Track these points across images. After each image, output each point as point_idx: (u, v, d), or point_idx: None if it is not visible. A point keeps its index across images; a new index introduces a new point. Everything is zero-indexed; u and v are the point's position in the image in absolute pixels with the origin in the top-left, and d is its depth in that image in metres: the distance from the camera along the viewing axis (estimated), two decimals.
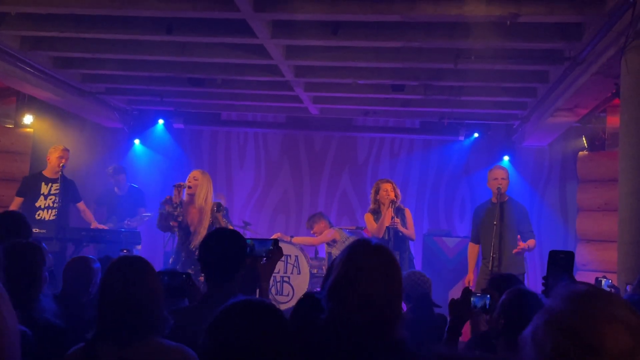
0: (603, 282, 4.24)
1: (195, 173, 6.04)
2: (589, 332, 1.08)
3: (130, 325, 2.28)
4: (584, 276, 8.33)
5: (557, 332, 1.11)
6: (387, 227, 6.39)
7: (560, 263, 2.40)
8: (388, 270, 1.93)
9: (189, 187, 5.90)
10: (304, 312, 2.65)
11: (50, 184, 7.14)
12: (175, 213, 5.85)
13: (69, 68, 7.79)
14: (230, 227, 5.92)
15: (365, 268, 1.90)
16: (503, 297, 2.92)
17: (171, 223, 5.87)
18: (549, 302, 1.17)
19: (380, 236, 6.33)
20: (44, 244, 3.26)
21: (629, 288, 3.93)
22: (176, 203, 5.85)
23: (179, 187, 5.89)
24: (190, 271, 5.76)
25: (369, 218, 6.65)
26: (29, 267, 2.93)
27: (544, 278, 2.68)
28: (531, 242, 6.41)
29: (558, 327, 1.11)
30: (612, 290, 4.07)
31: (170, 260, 6.05)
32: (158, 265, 6.32)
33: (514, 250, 6.22)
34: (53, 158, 7.17)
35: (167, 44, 6.71)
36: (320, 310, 1.96)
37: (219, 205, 6.03)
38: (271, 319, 1.68)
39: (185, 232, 5.92)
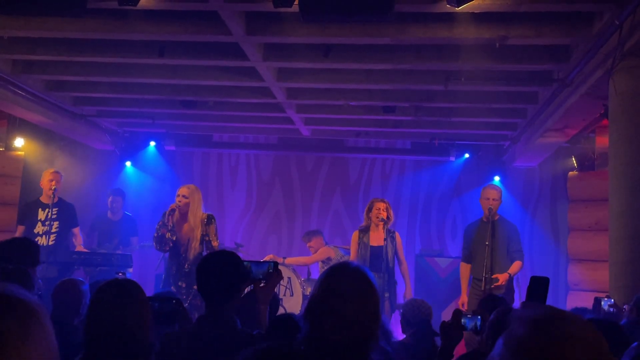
0: (603, 302, 4.21)
1: (183, 190, 6.11)
2: (548, 354, 1.10)
3: (118, 349, 2.26)
4: (575, 296, 8.35)
5: (518, 356, 1.12)
6: (381, 247, 6.40)
7: (538, 288, 2.50)
8: (362, 293, 1.94)
9: (178, 207, 5.98)
10: (279, 332, 2.65)
11: (47, 210, 7.12)
12: (168, 236, 5.96)
13: (61, 91, 7.80)
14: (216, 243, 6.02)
15: (339, 291, 1.92)
16: (491, 317, 2.94)
17: (166, 248, 6.01)
18: (510, 326, 1.19)
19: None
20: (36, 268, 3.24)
21: (626, 308, 3.94)
22: (170, 226, 5.93)
23: (172, 213, 5.96)
24: (181, 284, 5.82)
25: (354, 237, 6.65)
26: None
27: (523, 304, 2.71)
28: (515, 267, 6.36)
29: (518, 351, 1.13)
30: (613, 310, 4.06)
31: (163, 277, 6.09)
32: (150, 288, 6.30)
33: (494, 285, 6.16)
34: (45, 182, 7.16)
35: (159, 66, 6.74)
36: (295, 331, 1.98)
37: (209, 217, 6.07)
38: None
39: (176, 247, 5.99)
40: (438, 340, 4.42)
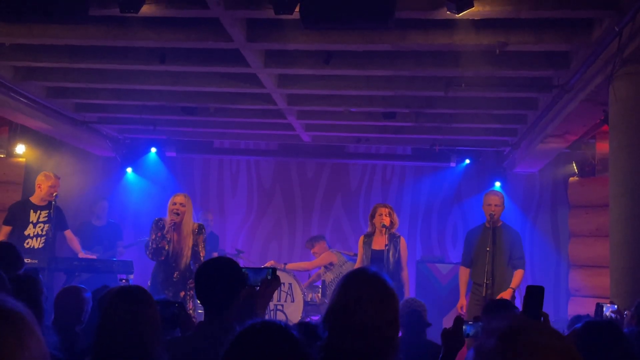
0: (605, 307, 4.20)
1: (180, 199, 6.03)
2: None
3: (128, 356, 2.27)
4: (576, 302, 8.35)
5: None
6: (382, 251, 6.39)
7: (534, 297, 2.54)
8: (382, 299, 1.94)
9: (177, 214, 5.93)
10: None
11: (39, 212, 7.00)
12: (166, 247, 5.93)
13: (62, 98, 7.82)
14: (203, 252, 6.00)
15: (359, 297, 1.92)
16: None
17: (161, 258, 5.97)
18: (479, 339, 1.18)
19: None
20: (40, 275, 3.25)
21: (627, 314, 3.93)
22: (169, 237, 5.93)
23: (174, 225, 5.94)
24: (167, 292, 5.79)
25: (360, 243, 6.68)
26: (33, 299, 2.91)
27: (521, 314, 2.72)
28: (517, 279, 6.31)
29: None
30: (617, 316, 4.05)
31: (149, 283, 6.05)
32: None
33: (498, 297, 6.12)
34: (45, 187, 7.01)
35: (160, 73, 6.76)
36: (314, 339, 1.97)
37: (200, 227, 6.05)
38: (287, 342, 1.67)
39: (166, 256, 5.97)
40: (429, 334, 4.41)
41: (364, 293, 1.92)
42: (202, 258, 5.94)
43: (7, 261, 3.94)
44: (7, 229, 6.90)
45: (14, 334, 0.97)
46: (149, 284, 6.06)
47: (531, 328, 1.15)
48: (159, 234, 5.92)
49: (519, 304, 6.72)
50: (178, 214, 5.92)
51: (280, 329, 1.68)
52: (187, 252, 5.93)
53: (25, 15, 4.67)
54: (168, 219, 5.96)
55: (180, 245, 5.94)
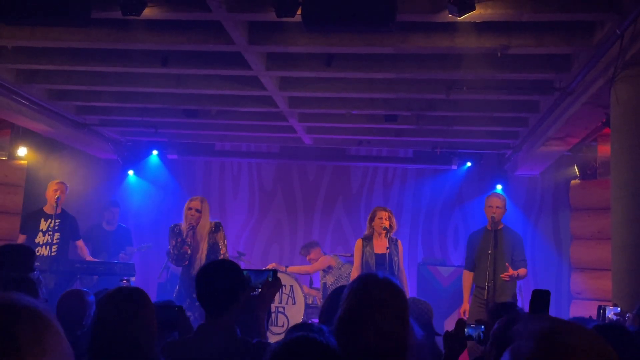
0: (608, 310, 4.19)
1: (195, 204, 6.03)
2: None
3: (123, 357, 2.26)
4: (578, 305, 8.33)
5: None
6: (384, 255, 6.38)
7: (540, 301, 2.55)
8: (397, 303, 1.96)
9: (195, 221, 5.95)
10: None
11: (49, 220, 7.13)
12: (189, 252, 5.93)
13: (64, 100, 7.83)
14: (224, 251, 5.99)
15: (375, 303, 1.93)
16: (495, 327, 2.92)
17: (185, 262, 5.98)
18: (515, 342, 1.18)
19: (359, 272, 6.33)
20: (40, 277, 3.25)
21: (629, 316, 3.93)
22: (189, 242, 5.93)
23: (193, 229, 5.94)
24: (195, 296, 5.79)
25: (358, 245, 6.61)
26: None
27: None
28: (522, 271, 6.34)
29: None
30: (619, 318, 4.04)
31: (177, 287, 6.09)
32: (152, 297, 6.30)
33: (502, 275, 6.15)
34: (50, 192, 7.17)
35: (162, 75, 6.77)
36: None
37: (217, 225, 6.05)
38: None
39: (188, 259, 5.99)
40: (438, 340, 4.39)
41: (379, 298, 1.94)
42: (222, 254, 5.94)
43: (18, 263, 3.96)
44: (22, 237, 7.17)
45: (31, 334, 0.94)
46: (177, 288, 6.08)
47: (568, 330, 1.15)
48: (179, 240, 5.93)
49: (519, 305, 6.74)
50: (194, 223, 5.92)
51: (321, 346, 1.69)
52: (202, 255, 5.92)
53: (28, 17, 4.67)
54: (185, 223, 5.99)
55: (197, 248, 5.96)
